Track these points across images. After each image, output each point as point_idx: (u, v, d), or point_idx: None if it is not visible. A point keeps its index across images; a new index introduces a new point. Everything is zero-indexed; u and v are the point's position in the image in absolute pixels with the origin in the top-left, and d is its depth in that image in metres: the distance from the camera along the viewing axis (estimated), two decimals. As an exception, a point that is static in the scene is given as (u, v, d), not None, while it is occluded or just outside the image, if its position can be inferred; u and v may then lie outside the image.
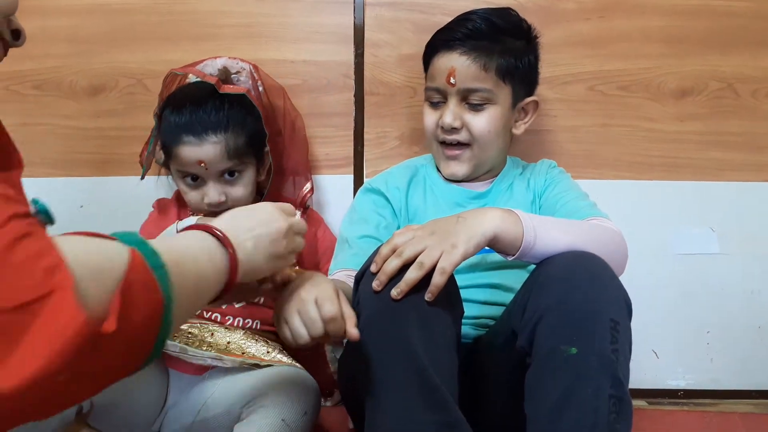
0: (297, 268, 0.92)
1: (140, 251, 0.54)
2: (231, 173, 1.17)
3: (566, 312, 0.82)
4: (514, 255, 0.90)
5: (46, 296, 0.44)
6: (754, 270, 1.47)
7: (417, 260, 0.84)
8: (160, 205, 1.29)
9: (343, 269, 1.10)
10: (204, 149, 1.12)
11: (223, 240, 0.69)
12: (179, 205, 1.28)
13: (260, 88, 1.26)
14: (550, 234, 0.91)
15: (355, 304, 0.90)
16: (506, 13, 1.20)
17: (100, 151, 1.41)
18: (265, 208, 0.79)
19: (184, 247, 0.65)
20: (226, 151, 1.14)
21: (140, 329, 0.52)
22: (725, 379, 1.50)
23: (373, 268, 0.87)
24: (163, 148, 1.19)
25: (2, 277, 0.44)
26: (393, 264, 0.85)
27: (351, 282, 1.00)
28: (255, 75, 1.27)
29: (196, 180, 1.16)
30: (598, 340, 0.80)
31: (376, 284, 0.86)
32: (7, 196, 0.48)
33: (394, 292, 0.84)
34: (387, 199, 1.21)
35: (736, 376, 1.51)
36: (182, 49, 1.36)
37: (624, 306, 0.86)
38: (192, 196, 1.18)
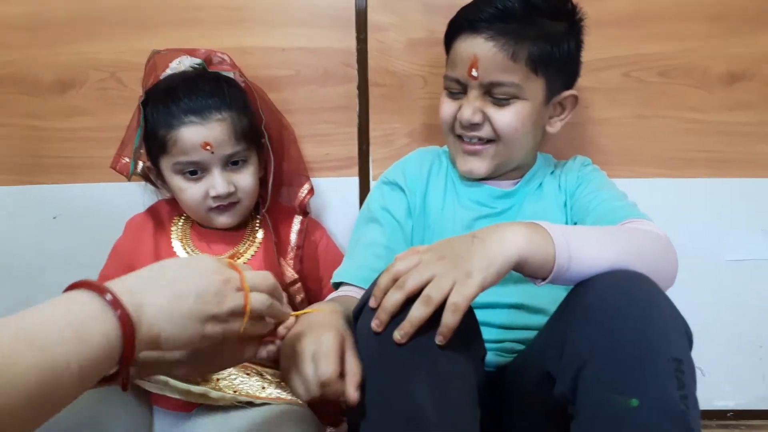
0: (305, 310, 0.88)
1: None
2: (235, 162, 1.13)
3: (616, 354, 0.71)
4: (544, 279, 0.79)
5: None
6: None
7: (423, 293, 0.73)
8: (134, 223, 1.24)
9: (348, 284, 1.05)
10: (210, 128, 1.08)
11: (112, 304, 0.60)
12: (155, 221, 1.22)
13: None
14: (588, 252, 0.79)
15: None
16: None
17: (71, 155, 1.36)
18: (201, 259, 0.71)
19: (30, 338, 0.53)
20: (232, 132, 1.10)
21: None
22: (780, 398, 1.46)
23: (371, 303, 0.77)
24: (154, 141, 1.12)
25: None
26: (394, 298, 0.74)
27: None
28: (236, 65, 1.21)
29: (196, 173, 1.11)
30: (661, 387, 0.69)
31: (375, 324, 0.75)
32: None
33: (397, 335, 0.73)
34: (404, 193, 1.15)
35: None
36: (159, 36, 1.29)
37: (685, 338, 0.74)
38: (193, 192, 1.12)
